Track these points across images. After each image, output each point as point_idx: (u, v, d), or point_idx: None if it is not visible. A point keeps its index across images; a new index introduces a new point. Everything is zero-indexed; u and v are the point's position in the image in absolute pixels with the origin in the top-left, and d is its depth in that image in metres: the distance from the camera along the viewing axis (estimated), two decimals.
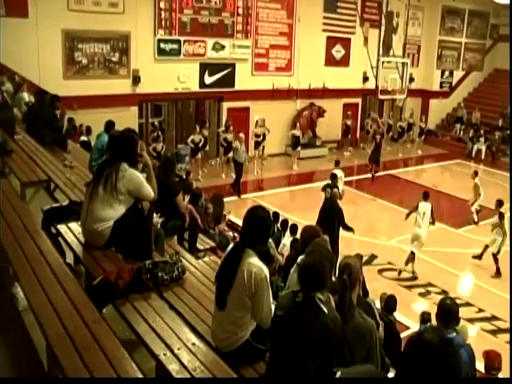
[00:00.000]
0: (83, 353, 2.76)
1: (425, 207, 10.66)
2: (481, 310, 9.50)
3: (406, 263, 10.65)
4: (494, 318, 9.31)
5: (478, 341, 7.93)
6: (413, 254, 10.67)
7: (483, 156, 20.96)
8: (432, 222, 10.76)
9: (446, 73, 24.75)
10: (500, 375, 5.70)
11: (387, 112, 22.88)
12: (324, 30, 19.49)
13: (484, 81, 26.23)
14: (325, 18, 19.41)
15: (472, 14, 24.71)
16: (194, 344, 3.18)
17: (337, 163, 14.09)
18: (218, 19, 16.65)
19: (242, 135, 15.26)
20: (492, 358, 5.68)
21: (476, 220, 13.88)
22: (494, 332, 8.96)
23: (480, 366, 5.50)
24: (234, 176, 15.48)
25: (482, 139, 21.35)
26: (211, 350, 3.23)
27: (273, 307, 3.30)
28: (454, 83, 25.19)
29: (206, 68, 16.63)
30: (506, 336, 8.79)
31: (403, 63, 21.66)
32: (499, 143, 21.52)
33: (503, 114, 22.93)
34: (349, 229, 10.03)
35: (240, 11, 17.13)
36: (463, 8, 24.19)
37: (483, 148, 21.12)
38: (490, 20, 25.62)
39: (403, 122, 22.34)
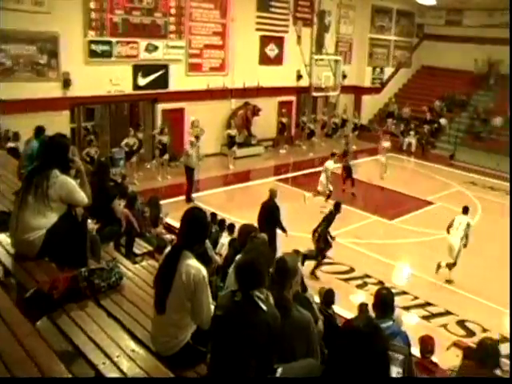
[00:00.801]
0: (16, 369, 2.66)
1: (461, 220, 10.80)
2: (415, 298, 9.87)
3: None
4: (428, 304, 9.71)
5: (414, 327, 8.25)
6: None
7: (413, 149, 21.76)
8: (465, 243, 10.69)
9: (377, 69, 25.53)
10: (433, 358, 5.99)
11: (321, 109, 23.30)
12: (258, 29, 19.60)
13: (412, 77, 27.27)
14: (258, 17, 19.52)
15: (399, 13, 25.63)
16: (133, 350, 3.14)
17: (332, 155, 14.76)
18: (150, 19, 16.37)
19: (193, 139, 15.08)
20: (426, 342, 5.97)
21: None
22: (427, 318, 9.34)
23: (416, 350, 5.73)
24: (169, 178, 15.48)
25: (412, 133, 22.18)
26: (151, 355, 3.20)
27: (212, 308, 3.31)
28: (384, 79, 26.03)
29: (140, 69, 16.33)
30: (439, 320, 9.21)
31: (336, 61, 22.22)
32: (428, 136, 22.43)
33: (431, 108, 23.95)
34: (283, 229, 10.08)
35: (173, 11, 16.90)
36: (391, 7, 25.07)
37: (413, 141, 21.94)
38: (416, 19, 26.70)
39: (337, 118, 22.89)
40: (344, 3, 22.85)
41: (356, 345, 1.97)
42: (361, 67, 24.58)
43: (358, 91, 24.58)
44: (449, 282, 10.70)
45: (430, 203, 15.49)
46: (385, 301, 4.53)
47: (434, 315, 9.37)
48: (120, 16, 15.58)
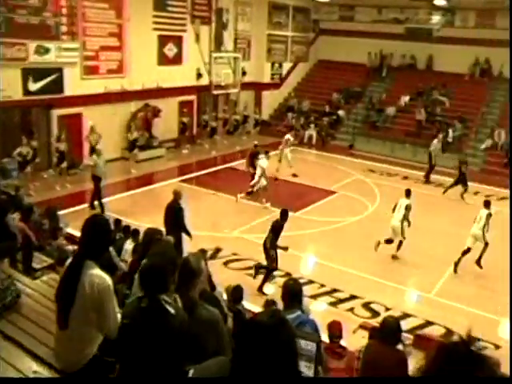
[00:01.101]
0: None
1: (401, 202, 11.56)
2: (322, 286, 10.20)
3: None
4: (334, 290, 10.07)
5: (322, 314, 8.52)
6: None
7: (314, 141, 22.46)
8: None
9: (276, 65, 26.04)
10: (342, 342, 6.26)
11: (222, 106, 23.37)
12: (155, 29, 19.26)
13: (310, 71, 28.15)
14: (155, 16, 19.19)
15: (296, 9, 26.31)
16: (35, 372, 3.02)
17: (266, 152, 14.93)
18: (39, 19, 15.50)
19: (99, 147, 14.43)
20: (334, 328, 6.20)
21: None
22: (334, 304, 9.68)
23: (325, 336, 5.94)
24: (69, 186, 14.91)
25: (312, 125, 22.88)
26: (56, 373, 3.09)
27: (119, 316, 3.25)
28: (283, 74, 26.63)
29: (30, 73, 15.45)
30: (345, 305, 9.60)
31: (235, 58, 22.42)
32: (327, 128, 23.32)
33: (329, 100, 24.86)
34: (187, 233, 9.90)
35: (64, 11, 16.12)
36: (288, 4, 25.66)
37: (314, 133, 22.65)
38: (312, 15, 27.56)
39: (238, 115, 23.11)
40: (241, 0, 23.08)
41: (260, 338, 1.97)
42: (260, 63, 24.95)
43: (258, 87, 24.93)
44: (394, 257, 11.61)
45: (332, 192, 16.10)
46: (292, 291, 4.62)
47: (340, 301, 9.74)
48: (2, 14, 14.47)
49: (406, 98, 23.94)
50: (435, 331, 8.72)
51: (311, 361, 4.12)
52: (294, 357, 2.02)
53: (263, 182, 14.52)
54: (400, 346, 5.53)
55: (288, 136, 18.17)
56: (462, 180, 16.47)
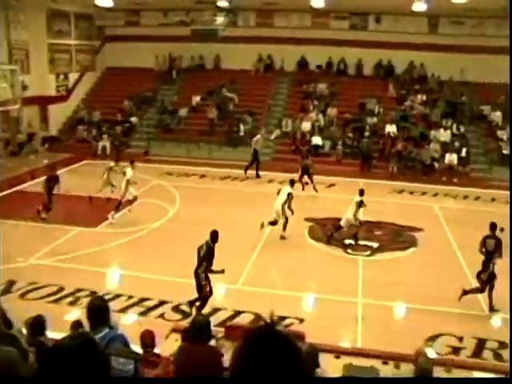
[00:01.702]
0: None
1: (284, 189, 13.44)
2: (130, 297, 10.01)
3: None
4: (143, 299, 9.92)
5: (133, 326, 8.35)
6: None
7: (108, 151, 21.81)
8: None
9: (61, 76, 24.79)
10: (156, 350, 6.30)
11: (1, 125, 21.34)
12: None
13: (98, 80, 27.45)
14: None
15: (78, 16, 25.35)
16: None
17: (131, 162, 14.62)
18: None
19: None
20: (144, 337, 6.21)
21: None
22: (144, 313, 9.57)
23: (138, 348, 5.92)
24: None
25: (105, 136, 22.33)
26: None
27: None
28: (70, 86, 25.48)
29: None
30: (156, 312, 9.55)
31: (11, 70, 20.68)
32: (121, 137, 22.95)
33: (121, 108, 24.41)
34: None
35: None
36: (68, 11, 24.51)
37: (107, 144, 22.10)
38: (96, 22, 26.79)
39: (22, 133, 21.43)
40: (12, 5, 21.17)
41: (64, 362, 1.89)
42: (42, 75, 23.40)
43: (42, 101, 23.41)
44: (283, 237, 13.18)
45: (131, 202, 15.79)
46: (96, 310, 4.49)
47: (150, 309, 9.66)
48: None
49: (197, 98, 24.81)
50: (245, 319, 9.15)
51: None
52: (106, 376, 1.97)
53: (132, 192, 14.36)
54: (213, 342, 5.79)
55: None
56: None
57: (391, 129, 22.13)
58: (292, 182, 13.79)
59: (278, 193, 13.50)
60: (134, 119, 24.11)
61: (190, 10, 25.44)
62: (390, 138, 21.84)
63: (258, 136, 20.02)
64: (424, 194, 18.04)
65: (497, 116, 22.94)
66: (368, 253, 12.67)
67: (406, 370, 5.73)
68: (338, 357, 7.30)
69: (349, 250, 12.79)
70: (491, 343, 8.82)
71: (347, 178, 19.25)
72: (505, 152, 21.25)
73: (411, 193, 17.80)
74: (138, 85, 25.62)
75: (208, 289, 9.26)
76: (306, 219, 14.65)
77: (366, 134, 22.09)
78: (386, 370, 6.74)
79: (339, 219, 13.16)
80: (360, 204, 12.86)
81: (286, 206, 13.16)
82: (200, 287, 9.24)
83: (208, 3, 23.61)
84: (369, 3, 22.32)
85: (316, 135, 22.31)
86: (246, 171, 19.21)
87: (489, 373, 6.95)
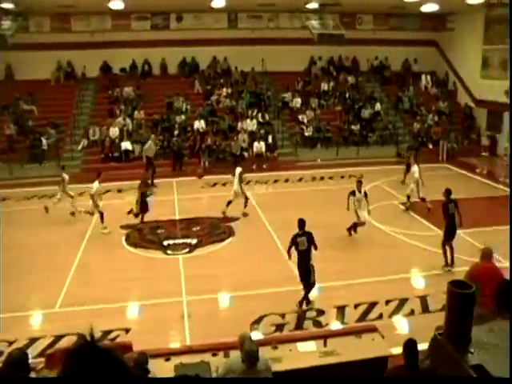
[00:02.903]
0: None
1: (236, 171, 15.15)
2: None
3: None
4: None
5: None
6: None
7: None
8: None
9: None
10: None
11: None
12: None
13: None
14: None
15: None
16: None
17: (99, 175, 14.28)
18: None
19: None
20: None
21: None
22: None
23: None
24: None
25: None
26: None
27: None
28: None
29: None
30: None
31: None
32: None
33: None
34: None
35: None
36: None
37: None
38: None
39: None
40: None
41: None
42: None
43: None
44: (245, 214, 15.08)
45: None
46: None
47: None
48: None
49: None
50: (68, 342, 8.44)
51: None
52: None
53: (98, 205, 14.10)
54: (33, 375, 5.29)
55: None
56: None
57: (200, 124, 22.58)
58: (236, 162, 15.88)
59: (234, 175, 15.19)
60: None
61: None
62: (199, 133, 22.28)
63: (150, 142, 19.46)
64: None
65: (297, 102, 24.92)
66: (187, 250, 12.73)
67: (235, 356, 5.84)
68: (168, 359, 7.19)
69: (168, 251, 12.76)
70: (310, 313, 9.52)
71: (160, 179, 19.27)
72: (306, 134, 23.23)
73: (224, 184, 18.24)
74: None
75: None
76: (122, 227, 14.34)
77: (176, 132, 22.24)
78: (216, 362, 6.81)
79: (158, 221, 13.03)
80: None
81: (240, 184, 14.93)
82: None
83: None
84: (169, 2, 22.35)
85: (125, 140, 21.78)
86: (152, 183, 18.19)
87: (310, 340, 7.35)
